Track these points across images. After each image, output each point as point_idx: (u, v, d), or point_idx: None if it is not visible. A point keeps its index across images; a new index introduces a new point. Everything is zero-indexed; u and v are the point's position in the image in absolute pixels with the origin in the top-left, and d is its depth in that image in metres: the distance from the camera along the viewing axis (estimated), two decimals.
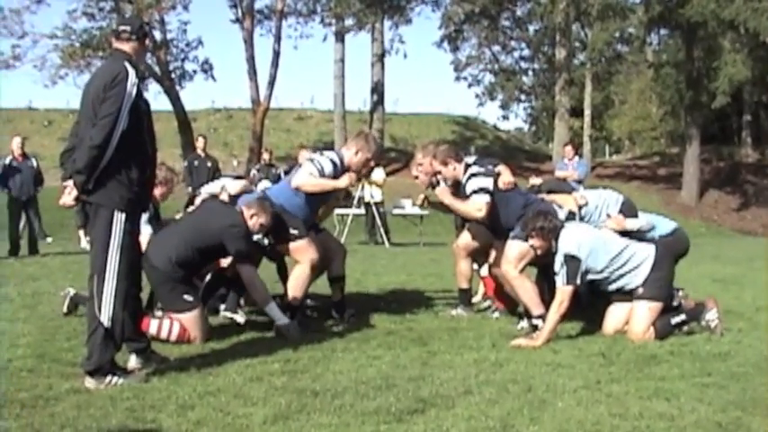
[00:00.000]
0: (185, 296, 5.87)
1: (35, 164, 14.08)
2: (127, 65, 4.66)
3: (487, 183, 6.59)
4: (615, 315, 6.26)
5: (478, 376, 4.83)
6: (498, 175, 6.71)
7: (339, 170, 6.55)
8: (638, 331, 6.02)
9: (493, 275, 7.24)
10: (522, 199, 6.76)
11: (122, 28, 4.86)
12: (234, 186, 7.07)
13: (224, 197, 6.91)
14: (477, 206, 6.57)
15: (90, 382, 4.54)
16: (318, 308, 7.31)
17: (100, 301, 4.59)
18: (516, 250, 6.45)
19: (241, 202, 6.47)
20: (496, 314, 7.28)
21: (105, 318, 4.58)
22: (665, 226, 6.94)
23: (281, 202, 6.43)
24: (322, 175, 6.47)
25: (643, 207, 8.16)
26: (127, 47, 4.80)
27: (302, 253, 6.44)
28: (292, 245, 6.43)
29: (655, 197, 31.31)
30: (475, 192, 6.59)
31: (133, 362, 4.95)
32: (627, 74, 45.67)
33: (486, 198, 6.54)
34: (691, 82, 32.69)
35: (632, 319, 6.10)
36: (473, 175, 6.65)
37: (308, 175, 6.49)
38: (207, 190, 7.35)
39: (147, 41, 4.93)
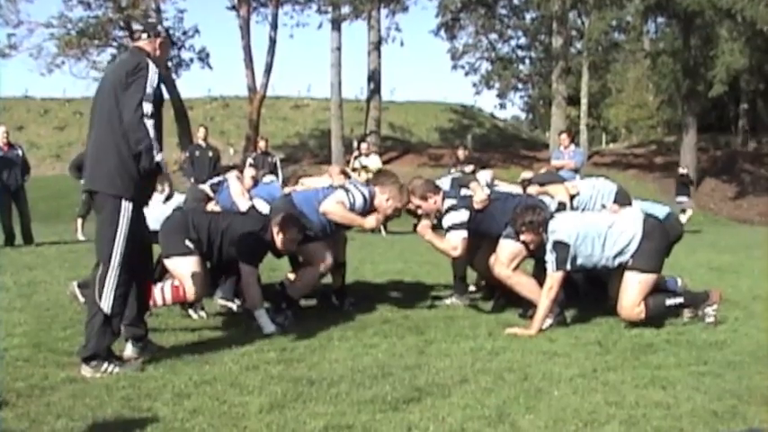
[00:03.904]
0: (187, 241, 5.82)
1: (21, 153, 13.87)
2: (147, 59, 4.72)
3: (462, 216, 6.49)
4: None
5: (474, 365, 4.84)
6: (470, 198, 6.59)
7: (367, 207, 6.52)
8: (628, 305, 5.91)
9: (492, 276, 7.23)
10: (511, 203, 6.58)
11: (135, 27, 4.92)
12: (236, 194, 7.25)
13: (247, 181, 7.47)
14: (452, 245, 6.51)
15: (86, 371, 4.55)
16: (315, 296, 7.29)
17: (102, 288, 4.61)
18: (508, 251, 6.38)
19: (270, 210, 6.53)
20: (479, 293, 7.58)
21: (105, 305, 4.60)
22: (658, 211, 6.91)
23: (302, 210, 6.41)
24: (352, 208, 6.42)
25: (639, 195, 8.16)
26: (142, 44, 4.88)
27: (316, 257, 6.42)
28: (306, 247, 6.37)
29: (651, 186, 31.27)
30: (450, 228, 6.52)
31: (129, 350, 4.96)
32: (624, 62, 45.56)
33: (461, 234, 6.47)
34: (688, 71, 32.62)
35: (622, 292, 5.96)
36: (449, 209, 6.54)
37: (340, 205, 6.41)
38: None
39: (164, 40, 4.94)
